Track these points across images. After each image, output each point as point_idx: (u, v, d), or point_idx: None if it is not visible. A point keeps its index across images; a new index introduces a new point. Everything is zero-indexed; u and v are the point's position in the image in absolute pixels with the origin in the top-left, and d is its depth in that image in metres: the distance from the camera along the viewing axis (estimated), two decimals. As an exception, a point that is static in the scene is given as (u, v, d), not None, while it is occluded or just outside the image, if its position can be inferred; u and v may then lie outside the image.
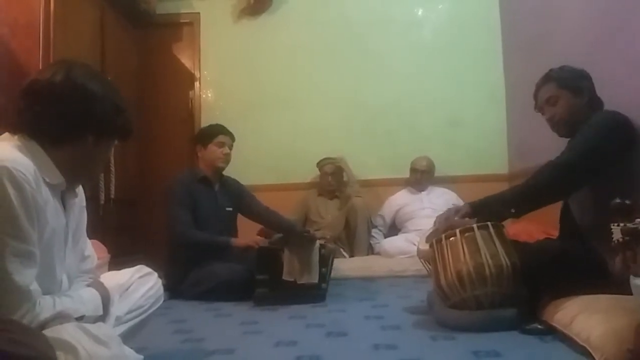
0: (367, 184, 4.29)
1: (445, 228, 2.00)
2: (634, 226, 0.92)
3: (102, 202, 3.17)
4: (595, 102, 2.00)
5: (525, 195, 1.94)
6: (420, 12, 4.56)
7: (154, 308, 1.51)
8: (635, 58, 2.24)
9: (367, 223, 4.05)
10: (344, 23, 4.53)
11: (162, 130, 4.46)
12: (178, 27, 4.69)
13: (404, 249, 3.65)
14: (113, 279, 1.42)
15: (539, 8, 3.54)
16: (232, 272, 2.70)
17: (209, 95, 4.62)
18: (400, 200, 4.12)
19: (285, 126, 4.47)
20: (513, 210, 1.97)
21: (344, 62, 4.50)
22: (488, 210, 1.98)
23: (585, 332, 1.50)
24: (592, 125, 1.88)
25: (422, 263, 2.26)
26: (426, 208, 3.91)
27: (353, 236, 3.99)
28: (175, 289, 2.76)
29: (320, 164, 4.19)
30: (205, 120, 4.23)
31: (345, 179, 4.15)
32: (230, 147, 3.03)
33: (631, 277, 1.20)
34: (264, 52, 4.56)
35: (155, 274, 1.55)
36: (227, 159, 3.01)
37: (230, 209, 3.03)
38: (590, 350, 1.43)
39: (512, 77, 4.24)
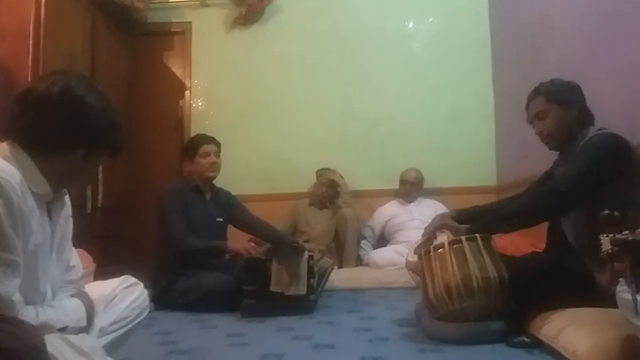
0: (358, 195, 4.30)
1: (434, 229, 2.00)
2: (623, 237, 0.93)
3: (89, 210, 3.14)
4: (585, 116, 2.01)
5: (520, 214, 1.96)
6: (411, 26, 4.61)
7: (139, 319, 1.49)
8: (624, 72, 2.28)
9: (356, 234, 4.05)
10: (336, 35, 4.56)
11: (151, 138, 4.45)
12: (169, 36, 4.70)
13: (392, 260, 3.65)
14: (98, 289, 1.40)
15: (528, 23, 3.59)
16: (219, 282, 2.68)
17: (200, 104, 4.62)
18: (390, 211, 4.13)
19: (276, 136, 4.47)
20: (507, 227, 2.00)
21: (336, 74, 4.53)
22: (480, 222, 1.99)
23: (571, 345, 1.50)
24: (591, 149, 1.88)
25: (411, 275, 2.26)
26: (415, 219, 3.91)
27: (342, 247, 3.99)
28: (161, 299, 2.73)
29: (318, 173, 4.20)
30: (195, 129, 4.23)
31: (339, 190, 4.15)
32: (217, 155, 3.01)
33: (617, 290, 1.21)
34: (256, 62, 4.57)
35: (141, 285, 1.53)
36: (215, 167, 2.99)
37: (221, 219, 3.01)
38: (577, 364, 1.44)
39: (501, 90, 4.28)
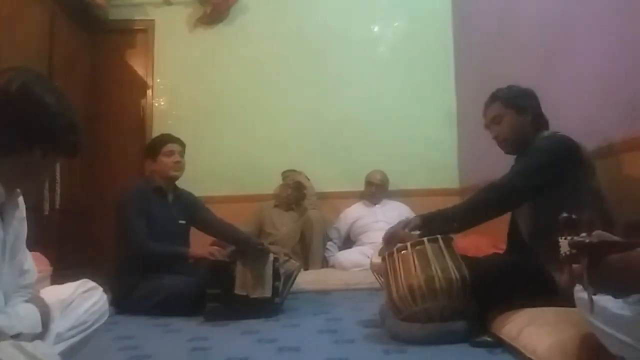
0: (324, 197, 4.31)
1: (391, 240, 2.02)
2: (581, 239, 0.95)
3: (46, 212, 3.02)
4: (539, 121, 2.06)
5: (468, 212, 1.98)
6: (377, 29, 4.66)
7: (98, 324, 1.44)
8: (579, 79, 2.36)
9: (322, 236, 4.05)
10: (303, 37, 4.56)
11: (112, 138, 4.34)
12: (131, 34, 4.60)
13: (358, 261, 3.67)
14: (54, 293, 1.35)
15: (489, 30, 3.67)
16: (182, 286, 2.62)
17: (162, 103, 4.54)
18: (355, 213, 4.15)
19: (242, 137, 4.44)
20: (456, 225, 2.02)
21: (303, 75, 4.53)
22: (435, 224, 2.01)
23: (532, 344, 1.53)
24: (539, 149, 1.94)
25: (375, 276, 2.27)
26: (380, 221, 3.94)
27: (308, 249, 3.98)
28: (122, 303, 2.66)
29: (284, 175, 4.17)
30: (158, 129, 4.14)
31: (305, 191, 4.14)
32: (182, 154, 2.95)
33: (575, 290, 1.24)
34: (221, 62, 4.53)
35: (100, 289, 1.48)
36: (179, 166, 2.93)
37: (184, 221, 2.95)
38: (537, 363, 1.47)
39: (463, 94, 4.37)
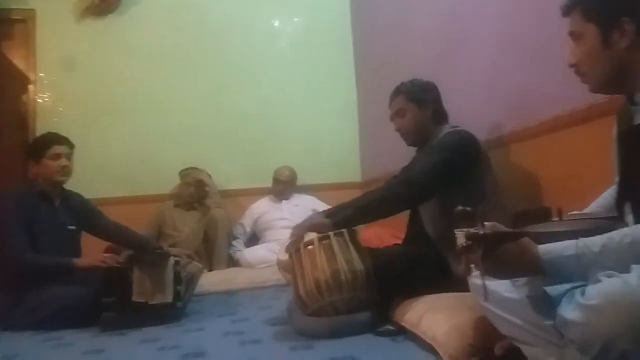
0: (228, 195, 4.22)
1: (302, 232, 2.02)
2: (475, 231, 0.99)
3: None
4: (439, 115, 2.16)
5: (377, 205, 2.02)
6: (277, 24, 4.63)
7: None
8: (473, 73, 2.49)
9: (228, 235, 3.96)
10: (202, 29, 4.43)
11: (-11, 138, 3.93)
12: (9, 24, 4.20)
13: (265, 258, 3.63)
14: None
15: (387, 26, 3.78)
16: (73, 297, 2.42)
17: (47, 99, 4.19)
18: (261, 209, 4.10)
19: (137, 135, 4.22)
20: (366, 219, 2.07)
21: (202, 69, 4.39)
22: (340, 218, 2.03)
23: (431, 330, 1.59)
24: (444, 146, 2.02)
25: (282, 273, 2.25)
26: (285, 219, 3.92)
27: (213, 249, 3.87)
28: (4, 318, 2.42)
29: (183, 174, 4.01)
30: (43, 127, 3.81)
31: (207, 190, 4.01)
32: (69, 158, 2.71)
33: (470, 276, 1.30)
34: (113, 55, 4.26)
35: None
36: (67, 171, 2.69)
37: (74, 227, 2.72)
38: (437, 348, 1.53)
39: (363, 90, 4.48)
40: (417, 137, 2.18)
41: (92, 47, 4.25)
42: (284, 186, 4.12)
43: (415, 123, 2.15)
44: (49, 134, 2.77)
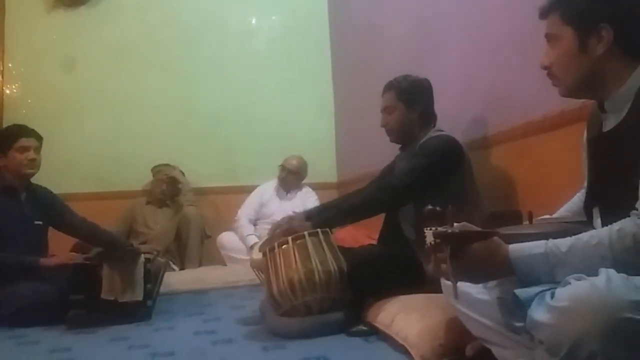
0: (202, 192, 4.18)
1: (277, 233, 2.02)
2: (444, 230, 1.00)
3: None
4: (427, 117, 2.15)
5: (361, 207, 2.03)
6: (254, 22, 4.60)
7: None
8: (447, 76, 2.51)
9: (200, 233, 3.91)
10: (177, 25, 4.37)
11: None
12: (-24, 12, 4.05)
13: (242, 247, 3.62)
14: None
15: (364, 27, 3.80)
16: (39, 294, 2.35)
17: (15, 90, 4.08)
18: (265, 197, 3.88)
19: (108, 130, 4.14)
20: (349, 220, 2.11)
21: (177, 64, 4.34)
22: (320, 219, 2.03)
23: (403, 331, 1.60)
24: (424, 149, 2.03)
25: (255, 272, 2.24)
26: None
27: (185, 247, 3.82)
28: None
29: (155, 170, 3.95)
30: (10, 118, 3.72)
31: (180, 186, 3.96)
32: (38, 151, 2.63)
33: (442, 277, 1.32)
34: (83, 47, 4.18)
35: None
36: (34, 164, 2.62)
37: (40, 222, 2.65)
38: (408, 348, 1.54)
39: (340, 90, 4.49)
40: (400, 136, 2.18)
41: (62, 38, 4.15)
42: (290, 175, 3.86)
43: (400, 123, 2.15)
44: (16, 125, 2.70)
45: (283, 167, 3.88)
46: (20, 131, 2.63)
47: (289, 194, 3.91)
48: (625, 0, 1.06)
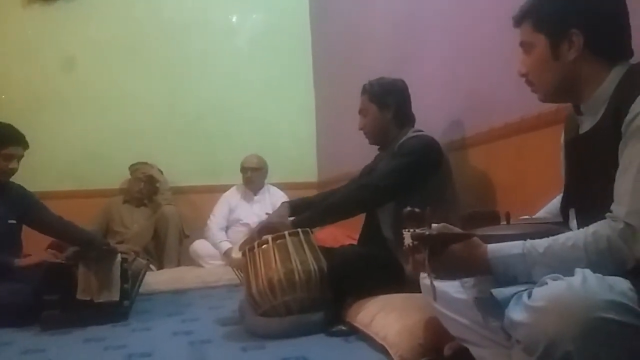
0: (180, 191, 4.14)
1: (262, 230, 2.01)
2: (422, 231, 1.00)
3: None
4: (402, 118, 2.15)
5: (342, 206, 2.04)
6: (235, 20, 4.57)
7: None
8: (428, 78, 2.53)
9: (178, 232, 3.86)
10: (158, 22, 4.32)
11: None
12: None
13: (214, 253, 3.61)
14: None
15: (345, 27, 3.80)
16: (11, 294, 2.29)
17: (-11, 86, 3.97)
18: (233, 202, 3.85)
19: (85, 127, 4.07)
20: (329, 219, 2.12)
21: (157, 62, 4.29)
22: (300, 219, 2.03)
23: (383, 330, 1.61)
24: (403, 149, 2.04)
25: (235, 272, 2.22)
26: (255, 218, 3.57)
27: (163, 247, 3.77)
28: None
29: (132, 168, 3.90)
30: (-17, 115, 3.61)
31: (158, 185, 3.91)
32: (20, 159, 2.55)
33: (421, 276, 1.32)
34: (61, 43, 4.10)
35: None
36: (11, 173, 2.54)
37: (14, 221, 2.58)
38: (387, 348, 1.55)
39: (321, 89, 4.49)
40: (376, 137, 2.20)
41: (39, 33, 4.07)
42: (252, 174, 3.82)
43: (374, 124, 2.16)
44: (7, 128, 2.55)
45: (244, 168, 3.85)
46: (10, 138, 2.51)
47: (256, 196, 3.88)
48: (594, 5, 1.08)
